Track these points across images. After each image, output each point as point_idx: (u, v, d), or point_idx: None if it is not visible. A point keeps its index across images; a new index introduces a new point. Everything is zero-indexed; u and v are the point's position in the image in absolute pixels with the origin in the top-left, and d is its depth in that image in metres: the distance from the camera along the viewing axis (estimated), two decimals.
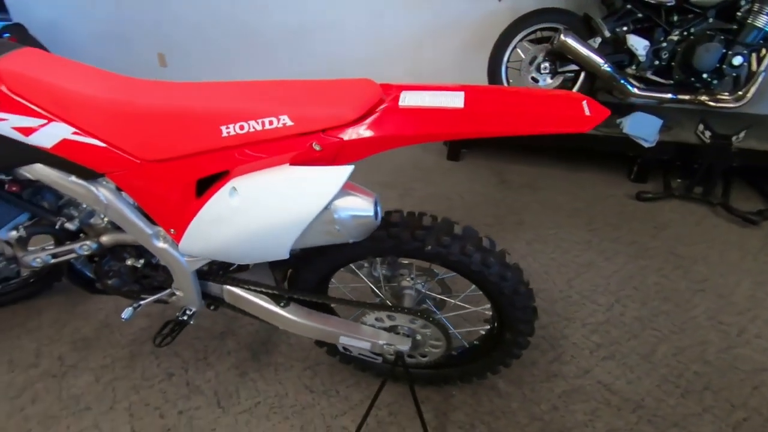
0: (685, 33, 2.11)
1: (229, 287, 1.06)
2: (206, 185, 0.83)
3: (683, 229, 2.13)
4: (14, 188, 0.96)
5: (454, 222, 0.97)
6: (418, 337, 1.10)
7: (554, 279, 1.81)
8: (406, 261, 1.17)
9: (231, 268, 1.11)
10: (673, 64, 2.17)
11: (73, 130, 0.81)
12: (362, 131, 0.73)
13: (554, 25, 2.31)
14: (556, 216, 2.22)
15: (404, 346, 1.06)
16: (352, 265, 1.09)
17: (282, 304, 1.06)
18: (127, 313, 1.10)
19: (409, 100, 0.74)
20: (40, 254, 1.02)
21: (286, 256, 0.83)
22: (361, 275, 1.14)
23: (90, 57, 3.77)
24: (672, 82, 2.22)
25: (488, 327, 1.20)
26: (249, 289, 1.06)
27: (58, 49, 3.81)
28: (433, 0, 2.83)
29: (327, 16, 3.02)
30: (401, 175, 2.61)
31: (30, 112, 0.80)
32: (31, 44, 3.07)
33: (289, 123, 0.73)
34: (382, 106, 0.74)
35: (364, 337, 1.06)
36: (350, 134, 0.73)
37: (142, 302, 1.12)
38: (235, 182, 0.78)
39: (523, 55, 2.42)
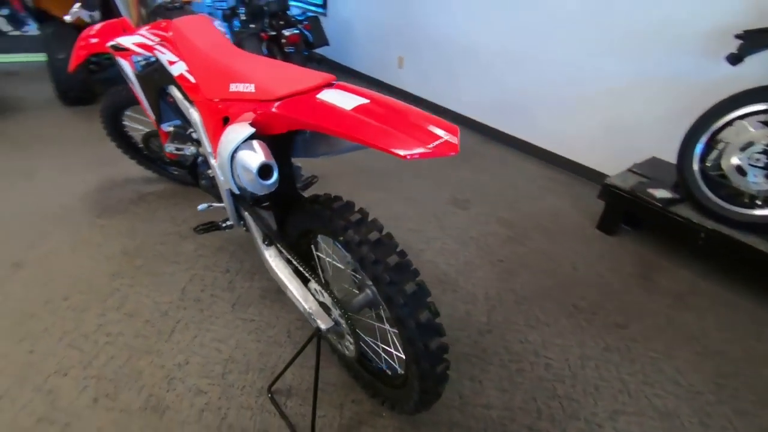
0: None
1: (246, 214, 1.38)
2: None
3: None
4: (170, 100, 1.52)
5: (381, 231, 0.99)
6: (341, 327, 1.15)
7: (591, 399, 1.43)
8: None
9: (262, 203, 1.41)
10: None
11: (186, 68, 1.25)
12: (278, 109, 0.88)
13: None
14: (681, 344, 1.67)
15: (323, 324, 1.15)
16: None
17: (266, 242, 1.30)
18: (202, 206, 1.56)
19: (325, 95, 0.83)
20: (171, 146, 1.58)
21: (236, 190, 1.06)
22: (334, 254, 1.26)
23: (356, 48, 4.79)
24: None
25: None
26: (254, 221, 1.34)
27: (342, 39, 5.01)
28: (654, 52, 2.41)
29: (537, 51, 2.97)
30: (530, 220, 2.42)
31: (174, 52, 1.28)
32: (318, 33, 4.16)
33: (253, 90, 0.94)
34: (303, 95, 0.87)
35: (299, 297, 1.20)
36: (272, 108, 0.89)
37: (214, 204, 1.56)
38: (229, 126, 1.05)
39: (737, 136, 1.85)
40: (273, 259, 1.29)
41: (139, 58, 1.51)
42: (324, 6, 5.11)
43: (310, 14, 4.22)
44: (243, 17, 4.44)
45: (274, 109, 0.89)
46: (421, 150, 0.65)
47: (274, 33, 3.83)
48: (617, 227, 2.38)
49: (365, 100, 0.81)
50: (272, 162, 0.93)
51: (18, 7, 4.83)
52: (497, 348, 1.59)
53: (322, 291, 1.16)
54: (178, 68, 1.28)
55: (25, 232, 1.97)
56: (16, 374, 1.34)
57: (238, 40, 4.01)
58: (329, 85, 0.91)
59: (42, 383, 1.32)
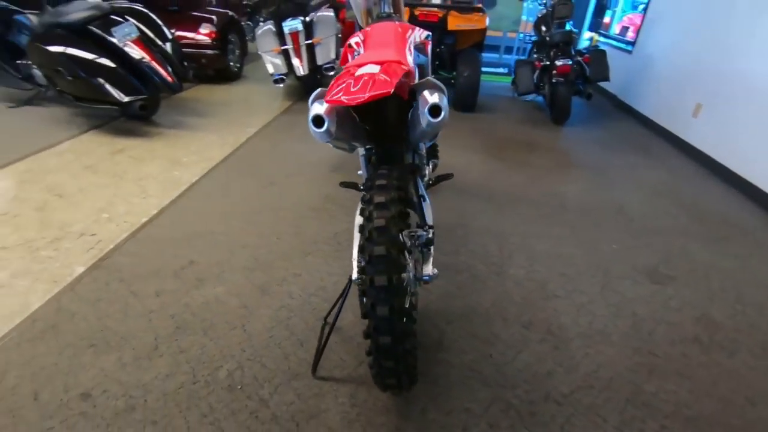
0: None
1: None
2: None
3: None
4: None
5: (392, 199, 1.05)
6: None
7: None
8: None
9: None
10: None
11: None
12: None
13: None
14: None
15: (353, 272, 1.30)
16: None
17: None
18: (361, 171, 1.96)
19: (365, 66, 0.99)
20: None
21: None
22: None
23: (645, 88, 4.11)
24: None
25: None
26: None
27: (635, 77, 4.43)
28: None
29: None
30: (756, 335, 1.64)
31: (364, 46, 1.68)
32: (599, 67, 3.89)
33: None
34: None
35: (354, 246, 1.38)
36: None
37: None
38: None
39: None
40: (357, 217, 1.53)
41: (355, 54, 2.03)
42: (633, 44, 4.66)
43: (598, 48, 3.99)
44: (535, 48, 4.67)
45: None
46: (345, 99, 0.79)
47: (548, 63, 3.87)
48: None
49: (376, 67, 0.95)
50: (327, 117, 1.15)
51: None
52: (552, 423, 1.29)
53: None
54: (357, 53, 1.69)
55: (288, 166, 2.93)
56: (232, 243, 2.12)
57: (516, 67, 4.27)
58: (385, 63, 1.07)
59: (231, 247, 2.04)
